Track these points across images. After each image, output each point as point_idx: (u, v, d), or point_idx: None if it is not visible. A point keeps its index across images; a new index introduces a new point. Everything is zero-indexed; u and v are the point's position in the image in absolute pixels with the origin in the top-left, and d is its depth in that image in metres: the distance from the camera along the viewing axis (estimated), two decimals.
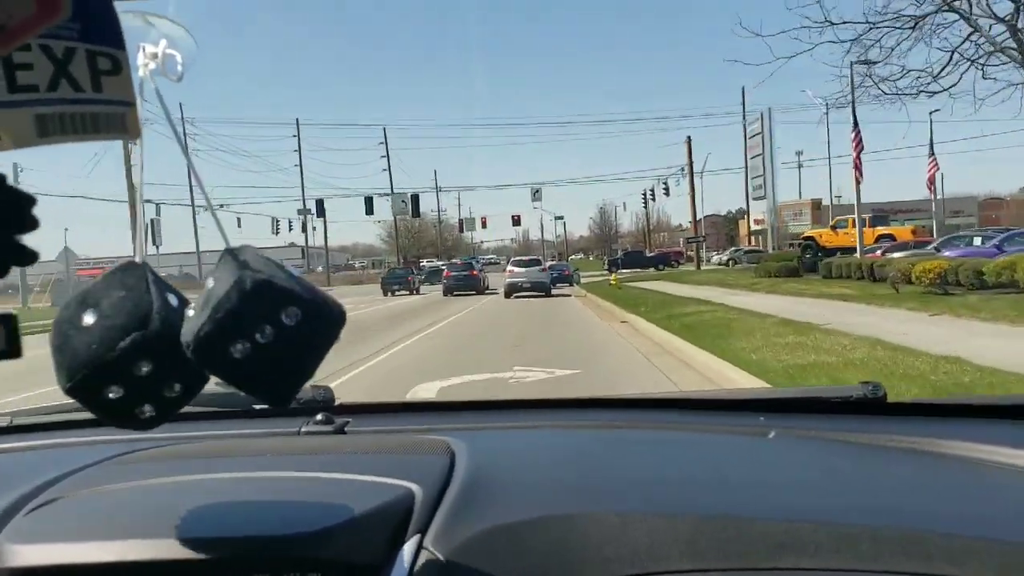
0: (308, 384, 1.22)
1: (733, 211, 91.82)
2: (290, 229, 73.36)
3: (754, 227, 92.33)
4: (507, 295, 34.17)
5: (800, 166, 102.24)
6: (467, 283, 39.00)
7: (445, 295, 38.59)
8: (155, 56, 0.76)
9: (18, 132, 0.70)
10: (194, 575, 0.81)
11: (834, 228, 38.33)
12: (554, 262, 55.54)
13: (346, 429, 1.42)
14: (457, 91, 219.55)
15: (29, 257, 0.69)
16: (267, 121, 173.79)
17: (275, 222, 67.76)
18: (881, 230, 37.24)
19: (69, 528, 0.89)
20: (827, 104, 25.49)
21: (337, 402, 1.59)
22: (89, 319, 0.72)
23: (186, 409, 0.78)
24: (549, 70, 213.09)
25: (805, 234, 41.41)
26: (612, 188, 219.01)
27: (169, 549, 0.81)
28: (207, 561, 0.81)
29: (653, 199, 61.91)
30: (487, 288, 43.20)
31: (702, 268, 56.77)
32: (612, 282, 33.68)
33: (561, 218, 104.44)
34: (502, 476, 1.08)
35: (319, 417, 1.44)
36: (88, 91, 0.71)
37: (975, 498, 1.00)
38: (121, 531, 0.85)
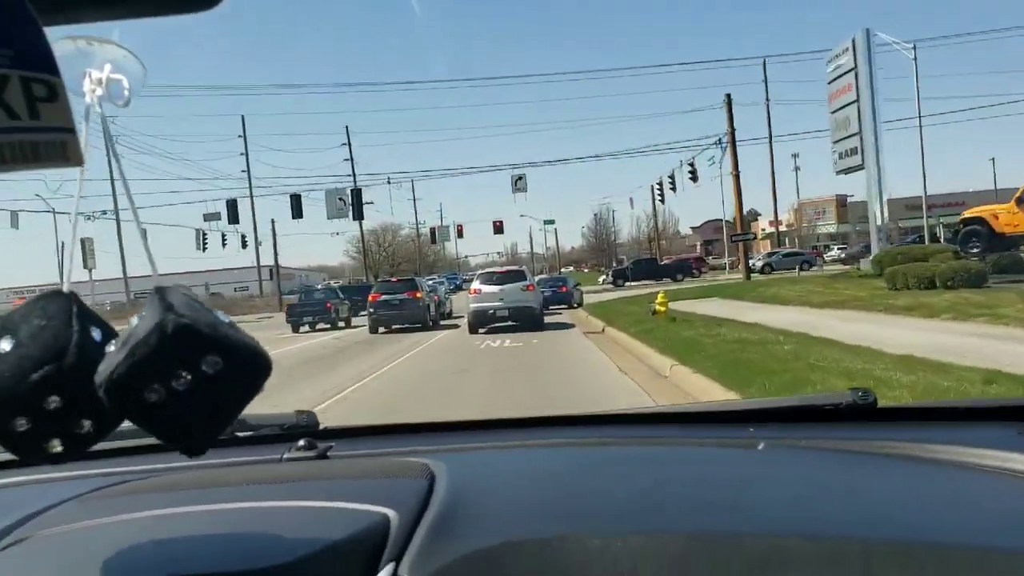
0: (292, 410, 1.59)
1: (744, 213, 78.01)
2: (244, 246, 58.24)
3: (771, 229, 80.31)
4: (472, 329, 21.63)
5: (797, 169, 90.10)
6: (402, 312, 24.92)
7: (372, 331, 25.20)
8: (100, 82, 0.75)
9: None
10: None
11: (1021, 202, 24.60)
12: (545, 275, 41.55)
13: (329, 454, 1.41)
14: (416, 59, 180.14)
15: None
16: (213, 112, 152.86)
17: (202, 235, 52.57)
18: None
19: (38, 569, 0.88)
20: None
21: (321, 427, 1.61)
22: (4, 346, 0.70)
23: None
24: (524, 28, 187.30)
25: (968, 214, 27.26)
26: (610, 182, 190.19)
27: None
28: None
29: (663, 193, 47.44)
30: (443, 316, 29.71)
31: (721, 277, 43.69)
32: (658, 307, 18.44)
33: (552, 223, 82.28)
34: (480, 499, 1.06)
35: (301, 443, 1.44)
36: (25, 119, 0.70)
37: (966, 505, 1.00)
38: (91, 571, 0.83)
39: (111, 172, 35.29)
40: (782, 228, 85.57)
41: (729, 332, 13.86)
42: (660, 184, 48.61)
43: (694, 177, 42.85)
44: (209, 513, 1.02)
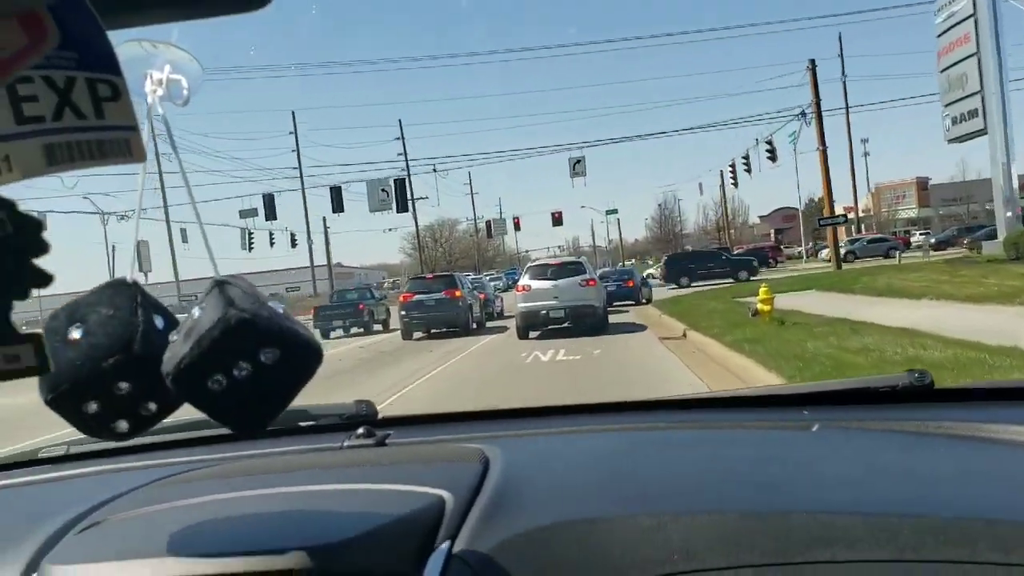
0: (352, 400, 1.70)
1: (815, 199, 72.17)
2: (294, 244, 55.02)
3: (850, 214, 73.82)
4: (521, 333, 18.11)
5: (866, 155, 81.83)
6: (440, 314, 21.11)
7: (405, 337, 21.47)
8: (160, 82, 0.80)
9: (28, 162, 0.72)
10: None
11: None
12: (608, 268, 36.69)
13: (387, 441, 1.42)
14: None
15: (46, 279, 0.71)
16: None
17: (248, 235, 49.36)
18: None
19: (110, 548, 0.92)
20: None
21: (380, 416, 1.66)
22: (75, 334, 0.75)
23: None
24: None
25: None
26: (675, 169, 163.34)
27: (196, 566, 0.83)
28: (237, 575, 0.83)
29: (736, 176, 42.55)
30: (492, 316, 26.30)
31: (799, 266, 38.43)
32: (761, 306, 13.83)
33: (614, 212, 77.57)
34: (534, 481, 1.08)
35: (360, 431, 1.46)
36: (91, 118, 0.73)
37: (1020, 482, 0.99)
38: (158, 549, 0.87)
39: (159, 170, 34.19)
40: (860, 213, 79.83)
41: (878, 342, 9.70)
42: (732, 167, 43.79)
43: (772, 156, 37.92)
44: (273, 496, 1.05)
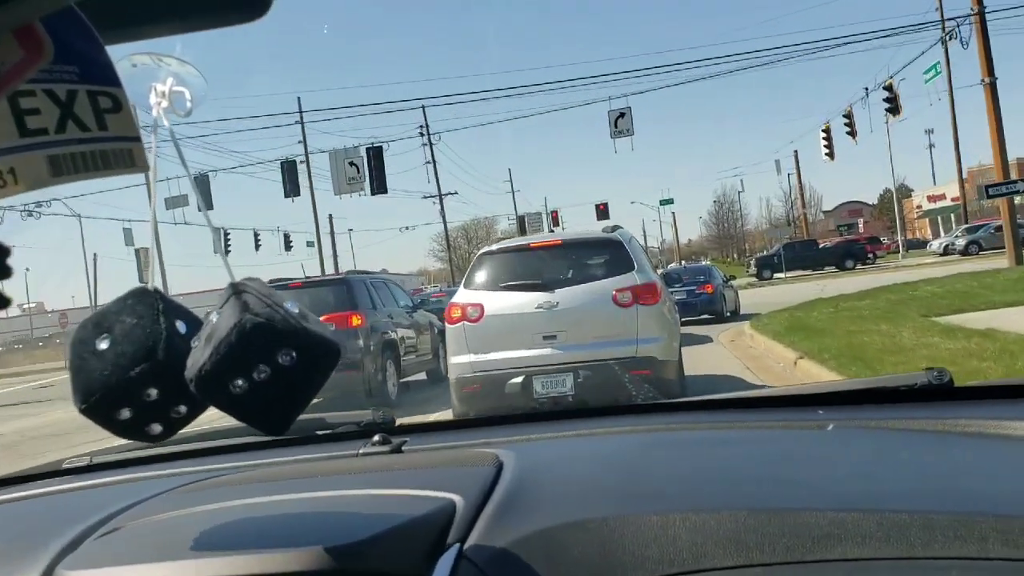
0: (370, 409, 1.70)
1: (892, 189, 61.43)
2: (288, 248, 46.15)
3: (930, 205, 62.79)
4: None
5: (931, 147, 71.69)
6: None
7: None
8: (164, 94, 0.82)
9: (33, 174, 0.74)
10: None
11: None
12: (675, 266, 25.18)
13: (403, 448, 1.43)
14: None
15: (5, 303, 0.71)
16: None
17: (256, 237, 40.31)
18: None
19: (126, 553, 0.94)
20: None
21: (397, 423, 1.69)
22: (103, 345, 0.78)
23: (251, 438, 1.00)
24: None
25: None
26: (737, 152, 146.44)
27: (215, 568, 0.85)
28: None
29: (831, 145, 31.39)
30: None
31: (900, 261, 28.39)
32: None
33: (670, 202, 58.56)
34: (546, 483, 1.08)
35: (376, 438, 1.47)
36: (94, 130, 0.76)
37: None
38: (173, 553, 0.88)
39: (151, 182, 26.46)
40: (945, 202, 69.07)
41: None
42: (827, 131, 33.32)
43: (893, 108, 27.41)
44: (287, 501, 1.06)
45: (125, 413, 0.78)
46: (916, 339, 9.36)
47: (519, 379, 6.63)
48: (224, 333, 0.75)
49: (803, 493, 0.95)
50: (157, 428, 0.81)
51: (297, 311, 0.79)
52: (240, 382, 0.75)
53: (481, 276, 7.36)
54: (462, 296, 7.31)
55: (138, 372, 0.76)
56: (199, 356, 0.76)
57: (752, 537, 0.82)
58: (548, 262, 7.42)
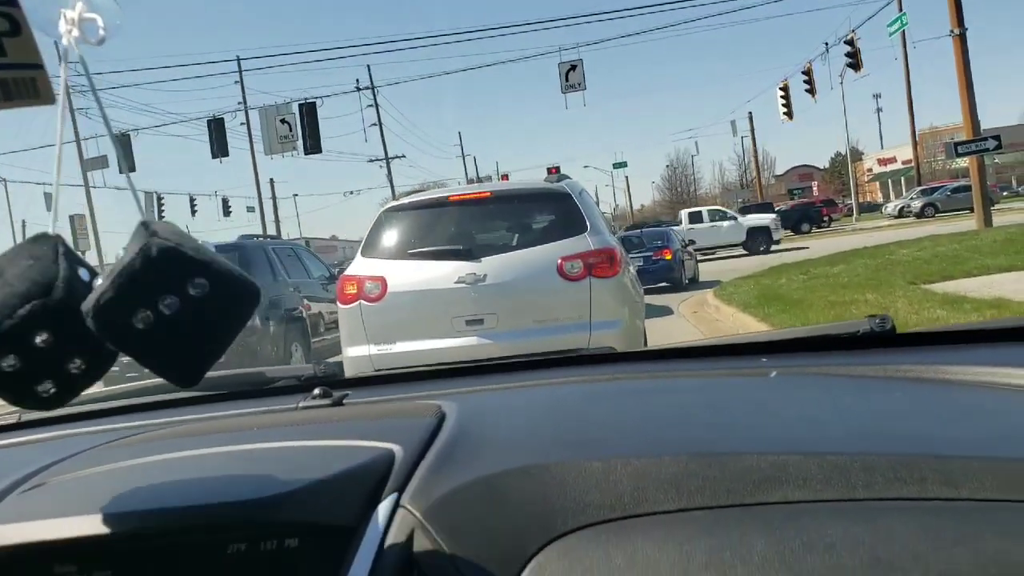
0: (311, 362, 1.56)
1: (843, 153, 61.54)
2: (227, 213, 43.75)
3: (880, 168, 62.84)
4: None
5: (879, 111, 72.30)
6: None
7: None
8: (74, 21, 0.76)
9: None
10: (168, 546, 0.84)
11: None
12: (633, 230, 23.63)
13: (344, 401, 1.42)
14: None
15: None
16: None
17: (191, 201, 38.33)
18: None
19: (50, 508, 0.92)
20: None
21: (338, 377, 1.66)
22: None
23: (187, 393, 0.89)
24: None
25: None
26: (690, 115, 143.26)
27: (141, 521, 0.83)
28: (177, 531, 0.83)
29: (789, 104, 30.16)
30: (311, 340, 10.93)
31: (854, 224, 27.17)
32: None
33: (623, 165, 59.98)
34: (486, 431, 1.09)
35: (317, 391, 1.45)
36: None
37: (976, 420, 1.00)
38: (97, 508, 0.86)
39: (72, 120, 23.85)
40: (896, 166, 69.00)
41: None
42: (784, 90, 32.14)
43: (854, 64, 26.42)
44: (218, 455, 1.05)
45: (11, 362, 0.69)
46: (915, 312, 8.00)
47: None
48: (129, 259, 0.67)
49: (745, 437, 0.95)
50: (50, 387, 0.72)
51: (214, 251, 0.72)
52: (146, 313, 0.67)
53: (384, 240, 5.59)
54: (358, 266, 5.52)
55: (28, 309, 0.68)
56: (99, 288, 0.68)
57: (694, 481, 0.82)
58: (473, 222, 5.76)
